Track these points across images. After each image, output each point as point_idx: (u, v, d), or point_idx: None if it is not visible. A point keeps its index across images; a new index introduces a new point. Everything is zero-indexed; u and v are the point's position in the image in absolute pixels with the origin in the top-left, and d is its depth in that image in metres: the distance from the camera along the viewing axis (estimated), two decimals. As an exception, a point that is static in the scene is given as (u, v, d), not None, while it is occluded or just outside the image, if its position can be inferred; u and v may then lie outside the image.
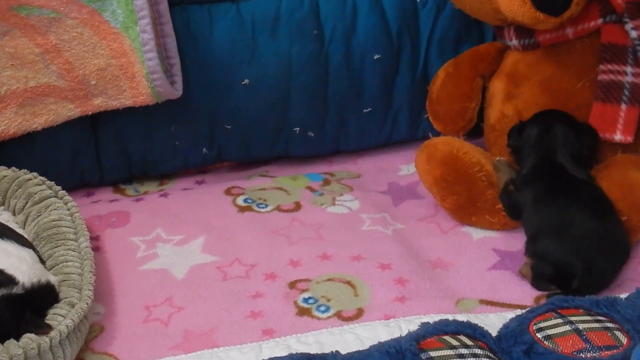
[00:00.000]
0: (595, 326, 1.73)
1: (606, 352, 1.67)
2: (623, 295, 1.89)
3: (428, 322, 1.76)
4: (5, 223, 2.14)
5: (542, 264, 2.08)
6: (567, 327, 1.73)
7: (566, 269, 2.04)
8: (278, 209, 2.38)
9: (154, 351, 1.92)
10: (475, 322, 1.77)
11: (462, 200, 2.28)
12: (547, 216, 2.13)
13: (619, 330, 1.73)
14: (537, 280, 2.09)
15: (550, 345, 1.70)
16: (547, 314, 1.79)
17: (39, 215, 2.17)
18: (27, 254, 1.95)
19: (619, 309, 1.77)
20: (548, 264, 2.06)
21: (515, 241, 2.23)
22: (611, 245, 2.09)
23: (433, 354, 1.65)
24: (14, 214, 2.24)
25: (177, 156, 2.55)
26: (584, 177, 2.17)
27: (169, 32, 2.38)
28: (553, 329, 1.73)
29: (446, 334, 1.72)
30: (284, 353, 1.73)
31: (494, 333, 1.78)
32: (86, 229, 2.13)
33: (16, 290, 1.84)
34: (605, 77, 2.28)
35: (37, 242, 2.11)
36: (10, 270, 1.86)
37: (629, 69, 2.27)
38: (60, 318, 1.84)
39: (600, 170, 2.24)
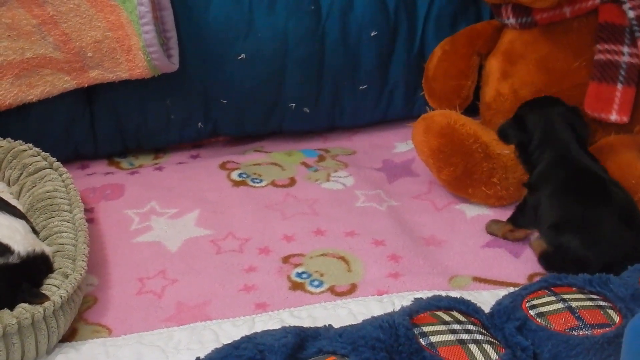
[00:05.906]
0: (588, 304, 1.74)
1: (599, 330, 1.68)
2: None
3: (421, 298, 1.76)
4: (0, 194, 2.14)
5: (560, 255, 2.03)
6: (560, 305, 1.74)
7: (584, 265, 1.96)
8: (273, 184, 2.38)
9: (147, 323, 1.92)
10: (468, 299, 1.78)
11: (459, 172, 2.28)
12: (572, 209, 2.06)
13: (612, 309, 1.73)
14: (548, 265, 2.06)
15: (543, 323, 1.71)
16: (540, 292, 1.80)
17: (33, 186, 2.17)
18: (19, 224, 1.94)
19: (612, 287, 1.78)
20: (567, 258, 2.01)
21: (509, 219, 2.24)
22: (634, 250, 2.01)
23: (426, 329, 1.66)
24: (8, 184, 2.24)
25: (172, 130, 2.54)
26: (601, 169, 2.11)
27: (166, 4, 2.37)
28: (546, 307, 1.74)
29: (439, 309, 1.73)
30: (277, 326, 1.73)
31: (486, 310, 1.78)
32: (80, 201, 2.13)
33: (12, 259, 1.83)
34: (601, 56, 2.28)
35: (31, 212, 2.11)
36: (4, 240, 1.85)
37: (625, 49, 2.27)
38: (54, 289, 1.84)
39: (592, 152, 2.23)
